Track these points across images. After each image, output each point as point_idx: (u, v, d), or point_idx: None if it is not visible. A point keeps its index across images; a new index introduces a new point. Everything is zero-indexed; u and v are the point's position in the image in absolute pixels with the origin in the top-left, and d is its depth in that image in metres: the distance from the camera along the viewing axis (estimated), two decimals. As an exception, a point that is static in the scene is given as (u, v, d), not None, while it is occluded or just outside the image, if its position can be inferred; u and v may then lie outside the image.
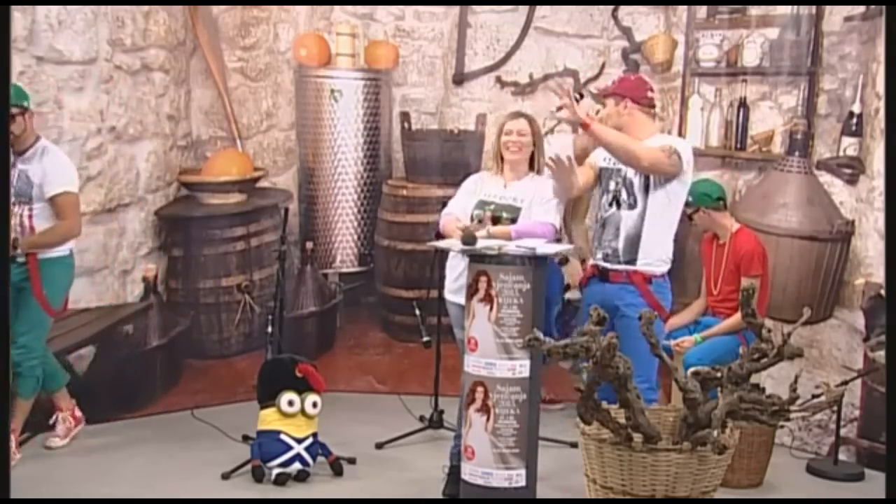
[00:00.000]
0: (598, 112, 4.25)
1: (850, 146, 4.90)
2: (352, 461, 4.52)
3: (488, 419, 3.63)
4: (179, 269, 5.61)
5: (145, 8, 5.33)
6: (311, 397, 4.39)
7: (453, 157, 5.76)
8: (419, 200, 5.78)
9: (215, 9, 5.84)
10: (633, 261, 3.96)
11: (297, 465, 4.31)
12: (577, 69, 5.94)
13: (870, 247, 4.78)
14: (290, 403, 4.35)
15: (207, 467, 4.40)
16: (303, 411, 4.36)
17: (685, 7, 5.49)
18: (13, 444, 4.28)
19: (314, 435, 4.39)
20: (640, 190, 3.94)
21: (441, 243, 3.96)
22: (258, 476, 4.27)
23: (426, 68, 6.14)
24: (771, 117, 5.28)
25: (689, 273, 5.13)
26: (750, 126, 5.28)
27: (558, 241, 4.14)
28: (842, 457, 4.71)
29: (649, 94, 4.03)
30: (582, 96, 5.21)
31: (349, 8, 6.09)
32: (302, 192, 6.09)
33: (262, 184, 5.95)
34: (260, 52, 5.99)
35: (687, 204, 4.59)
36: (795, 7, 5.11)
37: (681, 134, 5.33)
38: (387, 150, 6.10)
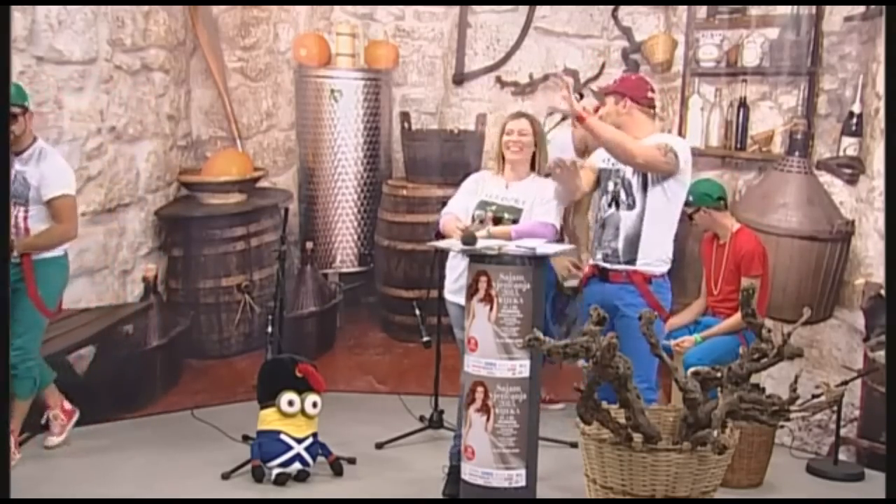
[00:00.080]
0: (597, 109, 4.26)
1: (850, 146, 4.90)
2: (352, 461, 4.52)
3: (488, 419, 3.63)
4: (179, 269, 5.61)
5: (145, 8, 5.33)
6: (311, 397, 4.39)
7: (453, 157, 5.76)
8: (419, 200, 5.78)
9: (215, 9, 5.84)
10: (632, 261, 3.96)
11: (297, 465, 4.31)
12: (577, 69, 5.93)
13: (870, 247, 4.78)
14: (290, 403, 4.35)
15: (207, 467, 4.39)
16: (303, 411, 4.36)
17: (685, 7, 5.49)
18: (13, 444, 4.28)
19: (314, 435, 4.39)
20: (638, 190, 3.94)
21: (441, 243, 3.96)
22: (258, 476, 4.27)
23: (426, 68, 6.14)
24: (771, 117, 5.28)
25: (689, 273, 5.13)
26: (750, 126, 5.28)
27: (559, 241, 4.14)
28: (842, 457, 4.71)
29: (649, 94, 4.03)
30: (582, 96, 5.21)
31: (349, 8, 6.09)
32: (302, 192, 6.09)
33: (262, 184, 5.95)
34: (260, 52, 5.99)
35: (688, 203, 4.60)
36: (795, 7, 5.11)
37: (681, 134, 5.33)
38: (387, 150, 6.09)
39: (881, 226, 4.55)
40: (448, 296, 4.17)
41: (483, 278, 3.63)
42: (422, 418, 5.01)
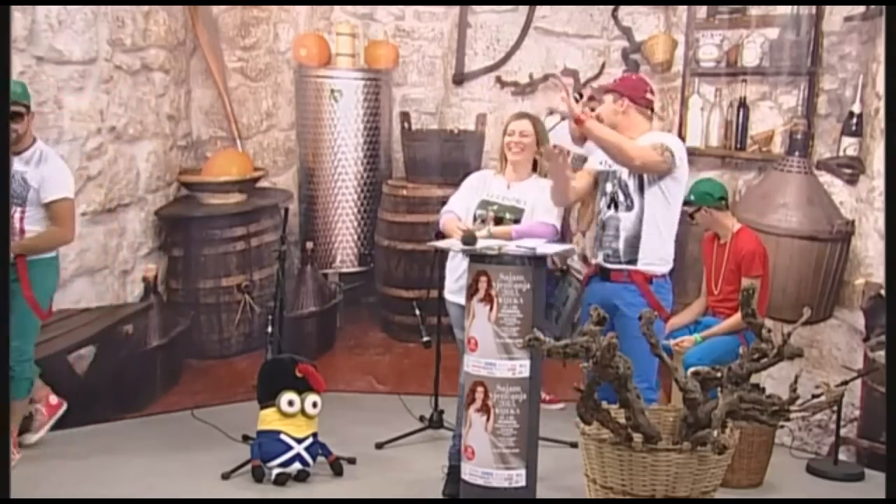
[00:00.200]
0: (593, 109, 4.25)
1: (850, 146, 4.90)
2: (352, 461, 4.52)
3: (488, 419, 3.63)
4: (179, 269, 5.60)
5: (145, 8, 5.33)
6: (311, 397, 4.39)
7: (453, 157, 5.76)
8: (419, 200, 5.78)
9: (215, 9, 5.84)
10: (633, 261, 3.96)
11: (297, 465, 4.31)
12: (577, 69, 5.93)
13: (870, 247, 4.78)
14: (290, 403, 4.35)
15: (207, 467, 4.40)
16: (303, 411, 4.36)
17: (685, 7, 5.49)
18: (12, 444, 4.28)
19: (314, 435, 4.39)
20: (635, 191, 3.94)
21: (441, 243, 3.96)
22: (258, 476, 4.27)
23: (426, 68, 6.13)
24: (771, 117, 5.28)
25: (689, 273, 5.13)
26: (750, 126, 5.27)
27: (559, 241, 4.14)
28: (842, 457, 4.71)
29: (648, 95, 4.03)
30: (581, 96, 5.20)
31: (349, 8, 6.08)
32: (302, 192, 6.09)
33: (262, 184, 5.95)
34: (260, 52, 5.99)
35: (689, 202, 4.61)
36: (795, 7, 5.11)
37: (681, 134, 5.33)
38: (387, 150, 6.09)
39: (881, 226, 4.55)
40: (448, 296, 4.18)
41: (483, 278, 3.63)
42: (422, 418, 5.01)
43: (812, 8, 5.06)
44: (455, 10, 6.02)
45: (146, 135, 5.40)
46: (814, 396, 3.50)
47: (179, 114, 5.72)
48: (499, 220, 4.02)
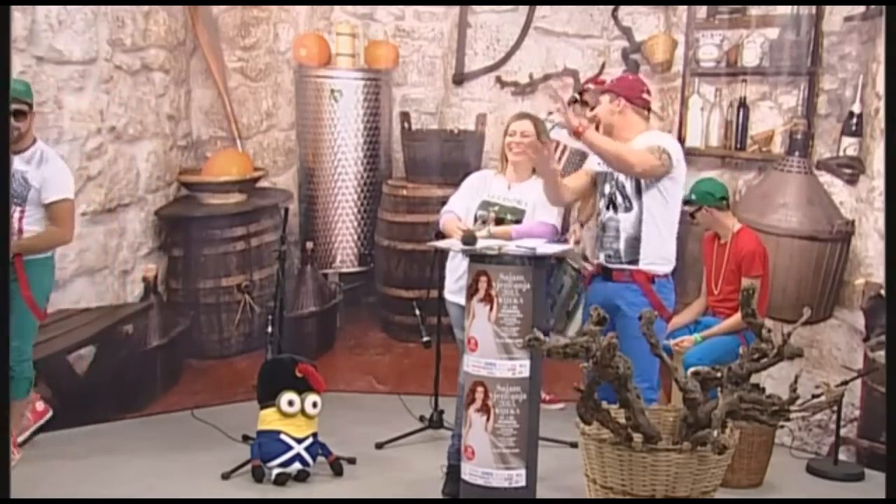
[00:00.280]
0: (586, 103, 4.24)
1: (850, 146, 4.90)
2: (352, 461, 4.52)
3: (488, 419, 3.63)
4: (179, 269, 5.61)
5: (145, 8, 5.33)
6: (311, 397, 4.39)
7: (453, 157, 5.76)
8: (419, 200, 5.78)
9: (215, 9, 5.84)
10: (635, 261, 3.96)
11: (297, 465, 4.31)
12: (577, 69, 5.93)
13: (870, 247, 4.78)
14: (290, 403, 4.35)
15: (207, 467, 4.40)
16: (303, 411, 4.36)
17: (685, 7, 5.49)
18: (12, 444, 4.28)
19: (314, 435, 4.39)
20: (633, 193, 3.94)
21: (441, 243, 3.96)
22: (258, 476, 4.27)
23: (426, 68, 6.13)
24: (771, 117, 5.28)
25: (689, 273, 5.13)
26: (750, 126, 5.27)
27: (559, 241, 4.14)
28: (842, 457, 4.71)
29: (644, 95, 4.03)
30: (581, 96, 5.20)
31: (349, 8, 6.08)
32: (302, 192, 6.09)
33: (262, 184, 5.95)
34: (260, 52, 5.99)
35: (690, 202, 4.62)
36: (795, 7, 5.11)
37: (681, 134, 5.33)
38: (387, 150, 6.09)
39: (881, 226, 4.55)
40: (448, 296, 4.18)
41: (483, 278, 3.63)
42: (422, 418, 5.01)
43: (812, 8, 5.06)
44: (455, 10, 6.02)
45: (146, 135, 5.40)
46: (814, 396, 3.50)
47: (179, 114, 5.72)
48: (500, 221, 4.02)
